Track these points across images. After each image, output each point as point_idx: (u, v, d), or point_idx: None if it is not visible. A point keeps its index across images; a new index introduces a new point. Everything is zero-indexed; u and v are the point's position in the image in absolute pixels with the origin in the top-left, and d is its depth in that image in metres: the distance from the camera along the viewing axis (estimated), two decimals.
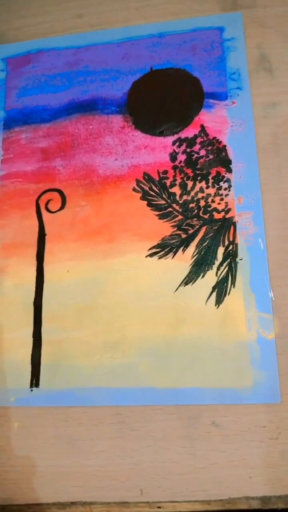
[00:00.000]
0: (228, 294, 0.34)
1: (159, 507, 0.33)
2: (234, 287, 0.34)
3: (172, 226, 0.36)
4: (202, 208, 0.36)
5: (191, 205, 0.37)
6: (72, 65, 0.42)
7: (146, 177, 0.38)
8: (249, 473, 0.32)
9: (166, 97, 0.39)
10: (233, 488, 0.32)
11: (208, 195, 0.36)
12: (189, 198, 0.37)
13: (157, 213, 0.37)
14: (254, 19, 0.40)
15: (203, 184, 0.37)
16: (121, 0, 0.42)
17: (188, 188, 0.37)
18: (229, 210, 0.36)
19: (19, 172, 0.40)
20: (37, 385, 0.35)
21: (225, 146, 0.37)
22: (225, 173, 0.37)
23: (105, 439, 0.34)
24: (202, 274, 0.35)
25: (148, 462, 0.33)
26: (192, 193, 0.37)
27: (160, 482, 0.33)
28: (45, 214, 0.39)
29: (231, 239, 0.35)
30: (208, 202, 0.36)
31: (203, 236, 0.36)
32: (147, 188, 0.38)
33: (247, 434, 0.33)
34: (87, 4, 0.43)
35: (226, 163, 0.37)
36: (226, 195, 0.36)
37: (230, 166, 0.37)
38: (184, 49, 0.40)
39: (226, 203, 0.36)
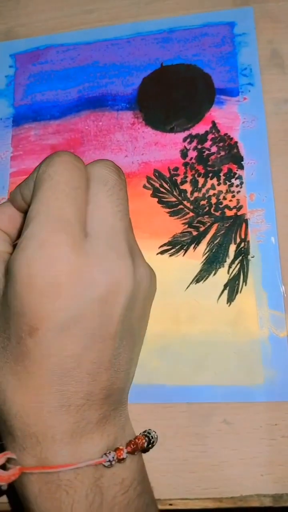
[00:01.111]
0: (240, 292, 0.34)
1: (170, 504, 0.33)
2: (246, 284, 0.34)
3: (183, 223, 0.36)
4: (214, 205, 0.36)
5: (202, 202, 0.36)
6: (81, 61, 0.41)
7: (157, 174, 0.38)
8: (261, 471, 0.32)
9: (176, 93, 0.39)
10: (244, 485, 0.32)
11: (220, 192, 0.36)
12: (200, 195, 0.37)
13: (168, 210, 0.37)
14: (266, 14, 0.39)
15: (215, 181, 0.37)
16: None
17: (199, 185, 0.37)
18: (240, 207, 0.36)
19: (28, 169, 0.40)
20: None
21: (236, 142, 0.37)
22: (237, 170, 0.36)
23: None
24: (213, 272, 0.35)
25: (159, 459, 0.33)
26: (203, 190, 0.37)
27: (171, 479, 0.33)
28: None
29: (242, 236, 0.35)
30: (220, 199, 0.36)
31: (214, 234, 0.36)
32: (157, 185, 0.37)
33: (259, 432, 0.33)
34: (96, 0, 0.43)
35: (237, 159, 0.37)
36: (238, 192, 0.36)
37: (242, 162, 0.36)
38: (195, 44, 0.40)
39: (237, 200, 0.36)
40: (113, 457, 0.25)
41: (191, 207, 0.36)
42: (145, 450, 0.29)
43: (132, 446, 0.27)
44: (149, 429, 0.30)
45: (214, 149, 0.37)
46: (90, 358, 0.25)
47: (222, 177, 0.37)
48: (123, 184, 0.28)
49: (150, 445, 0.29)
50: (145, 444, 0.28)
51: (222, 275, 0.35)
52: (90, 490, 0.25)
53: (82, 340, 0.25)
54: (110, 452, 0.26)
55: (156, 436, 0.29)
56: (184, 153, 0.38)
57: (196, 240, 0.36)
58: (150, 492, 0.29)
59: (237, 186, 0.36)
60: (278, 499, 0.32)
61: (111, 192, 0.27)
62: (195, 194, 0.37)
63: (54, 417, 0.24)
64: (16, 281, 0.24)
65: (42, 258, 0.23)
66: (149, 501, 0.28)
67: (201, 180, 0.37)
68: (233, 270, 0.35)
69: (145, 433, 0.29)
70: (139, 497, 0.27)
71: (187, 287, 0.35)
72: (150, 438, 0.29)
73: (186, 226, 0.36)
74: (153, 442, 0.29)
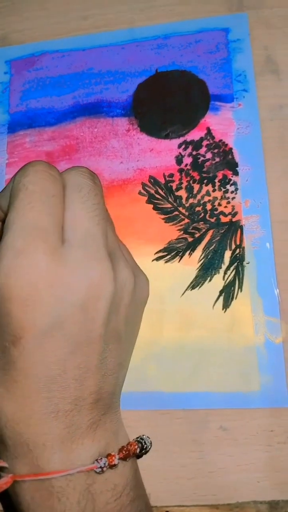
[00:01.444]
0: (235, 298, 0.34)
1: (167, 511, 0.33)
2: (241, 291, 0.34)
3: (178, 229, 0.36)
4: (209, 212, 0.36)
5: (197, 209, 0.36)
6: (76, 67, 0.41)
7: (152, 181, 0.38)
8: (257, 477, 0.33)
9: (171, 100, 0.39)
10: (241, 492, 0.32)
11: (215, 198, 0.36)
12: (196, 201, 0.37)
13: (163, 216, 0.37)
14: (261, 20, 0.39)
15: (210, 187, 0.37)
16: (126, 1, 0.42)
17: (195, 192, 0.37)
18: (235, 213, 0.36)
19: None
20: None
21: (231, 148, 0.37)
22: (232, 176, 0.36)
23: None
24: (209, 278, 0.35)
25: (156, 466, 0.34)
26: (199, 197, 0.37)
27: (167, 486, 0.33)
28: None
29: (238, 242, 0.35)
30: (215, 206, 0.36)
31: (209, 240, 0.36)
32: (153, 192, 0.37)
33: (255, 438, 0.33)
34: (91, 6, 0.43)
35: (232, 166, 0.37)
36: (233, 198, 0.36)
37: (237, 169, 0.37)
38: (190, 50, 0.40)
39: (232, 206, 0.36)
40: (104, 464, 0.25)
41: (187, 213, 0.37)
42: (138, 456, 0.29)
43: (124, 452, 0.27)
44: (143, 435, 0.30)
45: (209, 155, 0.37)
46: (75, 364, 0.25)
47: (217, 184, 0.37)
48: (98, 189, 0.28)
49: (143, 451, 0.29)
50: (138, 450, 0.28)
51: (217, 281, 0.35)
52: (82, 496, 0.25)
53: (65, 346, 0.25)
54: (101, 458, 0.26)
55: (149, 442, 0.29)
56: (179, 160, 0.38)
57: (192, 247, 0.36)
58: (144, 498, 0.29)
59: (232, 192, 0.36)
60: (275, 506, 0.32)
61: (86, 198, 0.27)
62: (190, 201, 0.37)
63: (43, 424, 0.24)
64: None
65: (19, 267, 0.23)
66: (143, 507, 0.28)
67: (196, 187, 0.37)
68: (229, 276, 0.35)
69: (138, 439, 0.29)
70: (132, 503, 0.27)
71: (183, 294, 0.35)
72: (143, 444, 0.29)
73: (182, 232, 0.36)
74: (146, 448, 0.29)
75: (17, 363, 0.24)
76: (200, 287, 0.35)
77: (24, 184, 0.25)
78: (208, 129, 0.38)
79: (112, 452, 0.27)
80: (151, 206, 0.37)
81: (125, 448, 0.27)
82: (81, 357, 0.25)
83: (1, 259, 0.24)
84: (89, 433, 0.26)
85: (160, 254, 0.36)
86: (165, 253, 0.36)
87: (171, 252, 0.36)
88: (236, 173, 0.37)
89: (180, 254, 0.36)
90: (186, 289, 0.35)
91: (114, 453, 0.26)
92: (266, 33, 0.39)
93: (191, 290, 0.35)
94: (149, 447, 0.29)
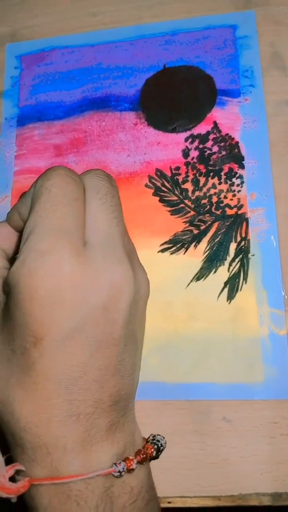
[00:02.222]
0: (240, 290, 0.34)
1: (169, 502, 0.33)
2: (246, 283, 0.34)
3: (184, 222, 0.37)
4: (215, 204, 0.36)
5: (203, 201, 0.37)
6: (85, 63, 0.42)
7: (159, 173, 0.38)
8: (260, 469, 0.32)
9: (179, 94, 0.39)
10: (243, 484, 0.32)
11: (221, 191, 0.37)
12: (202, 194, 0.37)
13: (169, 209, 0.37)
14: (268, 17, 0.40)
15: (216, 180, 0.37)
16: None
17: (201, 184, 0.37)
18: (241, 206, 0.36)
19: (32, 168, 0.40)
20: None
21: (237, 142, 0.37)
22: (238, 170, 0.37)
23: None
24: (214, 270, 0.35)
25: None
26: (205, 189, 0.37)
27: (170, 477, 0.33)
28: None
29: (243, 235, 0.35)
30: (221, 198, 0.36)
31: (215, 232, 0.36)
32: (159, 184, 0.38)
33: (258, 430, 0.33)
34: (100, 3, 0.43)
35: (238, 159, 0.37)
36: (239, 191, 0.36)
37: (243, 162, 0.37)
38: (197, 47, 0.40)
39: (238, 199, 0.36)
40: (123, 468, 0.25)
41: (192, 206, 0.37)
42: (154, 458, 0.29)
43: (141, 455, 0.27)
44: (157, 435, 0.29)
45: (215, 149, 0.38)
46: (96, 365, 0.25)
47: (223, 177, 0.37)
48: (115, 191, 0.28)
49: (159, 453, 0.29)
50: (154, 453, 0.28)
51: (222, 273, 0.35)
52: (101, 500, 0.25)
53: (87, 348, 0.24)
54: (120, 462, 0.25)
55: (165, 442, 0.29)
56: (185, 153, 0.38)
57: (197, 239, 0.36)
58: (156, 499, 0.29)
59: (238, 185, 0.36)
60: (277, 498, 0.32)
61: (104, 200, 0.27)
62: (196, 193, 0.37)
63: (63, 427, 0.24)
64: (18, 292, 0.24)
65: (43, 268, 0.23)
66: (156, 508, 0.28)
67: (202, 180, 0.37)
68: (234, 268, 0.35)
69: (154, 441, 0.29)
70: (147, 505, 0.27)
71: (188, 285, 0.35)
72: (159, 446, 0.29)
73: (187, 224, 0.37)
74: (162, 449, 0.29)
75: (37, 365, 0.24)
76: (205, 278, 0.35)
77: (47, 188, 0.25)
78: (215, 123, 0.38)
79: (129, 454, 0.26)
80: (158, 198, 0.38)
81: (142, 452, 0.27)
82: (102, 359, 0.25)
83: (25, 260, 0.24)
84: (109, 436, 0.26)
85: (166, 246, 0.36)
86: (171, 245, 0.36)
87: (177, 244, 0.36)
88: (242, 167, 0.37)
89: (185, 246, 0.36)
90: (191, 281, 0.35)
91: (132, 457, 0.26)
92: (273, 30, 0.39)
93: (196, 281, 0.35)
94: (164, 447, 0.29)
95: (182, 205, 0.37)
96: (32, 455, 0.24)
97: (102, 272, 0.25)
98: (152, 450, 0.28)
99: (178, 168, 0.38)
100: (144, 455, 0.27)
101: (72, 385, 0.24)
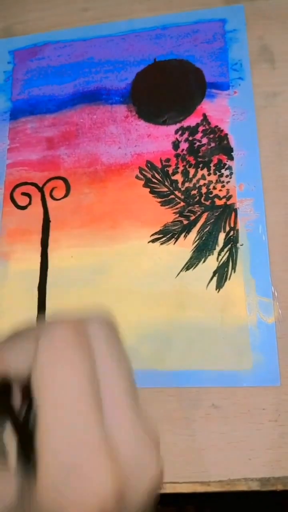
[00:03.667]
0: (229, 279, 0.35)
1: None
2: (234, 272, 0.35)
3: (174, 212, 0.37)
4: (204, 195, 0.37)
5: (193, 192, 0.37)
6: (77, 57, 0.43)
7: (149, 165, 0.39)
8: (248, 454, 0.33)
9: (169, 87, 0.40)
10: (232, 469, 0.33)
11: (210, 182, 0.37)
12: (191, 185, 0.37)
13: (159, 200, 0.38)
14: (257, 11, 0.40)
15: (205, 171, 0.37)
16: None
17: (190, 176, 0.38)
18: (230, 196, 0.37)
19: (24, 161, 0.41)
20: None
21: (226, 134, 0.38)
22: (227, 161, 0.37)
23: None
24: (203, 259, 0.36)
25: None
26: (194, 180, 0.37)
27: None
28: (49, 202, 0.39)
29: (232, 225, 0.36)
30: (210, 189, 0.37)
31: (204, 222, 0.36)
32: (149, 176, 0.38)
33: (247, 416, 0.33)
34: None
35: (227, 151, 0.37)
36: (228, 182, 0.37)
37: (232, 154, 0.37)
38: (187, 40, 0.41)
39: (227, 190, 0.37)
40: None
41: (182, 197, 0.37)
42: None
43: None
44: None
45: (204, 140, 0.38)
46: None
47: (213, 168, 0.37)
48: (121, 338, 0.24)
49: None
50: None
51: (211, 263, 0.35)
52: None
53: None
54: None
55: None
56: (175, 145, 0.39)
57: (187, 229, 0.37)
58: None
59: (227, 176, 0.37)
60: (265, 483, 0.32)
61: (116, 357, 0.22)
62: (186, 184, 0.38)
63: None
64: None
65: (86, 495, 0.19)
66: None
67: (192, 171, 0.38)
68: (222, 257, 0.35)
69: None
70: None
71: (178, 274, 0.36)
72: None
73: (177, 215, 0.37)
74: None
75: None
76: (194, 268, 0.36)
77: (57, 364, 0.20)
78: (204, 116, 0.39)
79: None
80: (148, 190, 0.38)
81: None
82: None
83: (60, 482, 0.19)
84: None
85: (156, 236, 0.37)
86: (161, 235, 0.37)
87: (167, 234, 0.37)
88: (231, 158, 0.37)
89: (175, 236, 0.37)
90: (181, 270, 0.36)
91: None
92: (262, 24, 0.40)
93: (185, 271, 0.36)
94: None
95: (172, 196, 0.38)
96: None
97: (140, 472, 0.18)
98: None
99: (168, 160, 0.38)
100: None
101: None
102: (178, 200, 0.37)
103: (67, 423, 0.20)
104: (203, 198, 0.37)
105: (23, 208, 0.40)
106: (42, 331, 0.22)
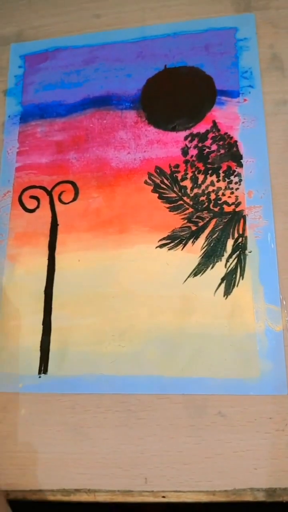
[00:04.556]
0: (237, 285, 0.35)
1: (163, 497, 0.33)
2: (243, 278, 0.35)
3: (182, 218, 0.37)
4: (213, 201, 0.37)
5: (201, 198, 0.37)
6: (88, 63, 0.43)
7: (158, 171, 0.39)
8: (255, 464, 0.32)
9: (179, 94, 0.40)
10: (238, 479, 0.32)
11: (219, 188, 0.37)
12: (200, 191, 0.37)
13: (168, 205, 0.38)
14: (267, 20, 0.41)
15: (214, 178, 0.37)
16: (137, 1, 0.44)
17: (199, 182, 0.38)
18: (239, 203, 0.36)
19: (33, 164, 0.41)
20: (45, 371, 0.36)
21: (236, 141, 0.38)
22: (236, 168, 0.37)
23: (111, 427, 0.34)
24: (211, 266, 0.35)
25: (153, 451, 0.34)
26: (203, 187, 0.37)
27: (165, 471, 0.33)
28: (58, 205, 0.40)
29: (240, 232, 0.36)
30: (219, 196, 0.37)
31: (212, 229, 0.36)
32: (158, 181, 0.38)
33: (253, 425, 0.33)
34: (104, 5, 0.44)
35: (237, 157, 0.38)
36: (237, 189, 0.37)
37: (241, 161, 0.37)
38: (198, 48, 0.41)
39: (236, 196, 0.37)
40: None
41: (191, 202, 0.37)
42: None
43: None
44: None
45: (214, 147, 0.38)
46: None
47: (222, 174, 0.37)
48: None
49: None
50: None
51: (219, 269, 0.35)
52: None
53: None
54: None
55: None
56: (185, 151, 0.39)
57: (195, 235, 0.36)
58: None
59: (236, 183, 0.37)
60: (271, 494, 0.32)
61: None
62: (195, 190, 0.37)
63: None
64: None
65: None
66: None
67: (201, 177, 0.38)
68: (231, 264, 0.35)
69: None
70: None
71: (185, 280, 0.36)
72: None
73: (186, 221, 0.37)
74: None
75: None
76: (202, 274, 0.35)
77: None
78: (214, 122, 0.39)
79: None
80: (157, 195, 0.38)
81: None
82: None
83: None
84: None
85: (164, 241, 0.37)
86: (169, 241, 0.37)
87: (175, 240, 0.37)
88: (240, 165, 0.37)
89: (183, 242, 0.36)
90: (189, 276, 0.36)
91: None
92: (272, 33, 0.40)
93: (193, 277, 0.36)
94: None
95: (180, 202, 0.37)
96: None
97: None
98: None
99: (177, 166, 0.38)
100: None
101: None
102: (187, 206, 0.37)
103: None
104: (211, 204, 0.37)
105: (31, 211, 0.40)
106: None
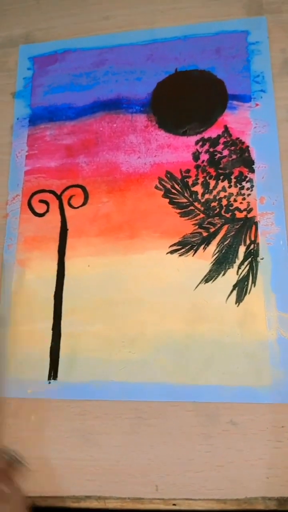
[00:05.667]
0: (249, 293, 0.35)
1: (174, 504, 0.33)
2: (254, 286, 0.35)
3: (193, 224, 0.37)
4: (224, 207, 0.37)
5: (213, 204, 0.37)
6: (97, 65, 0.42)
7: (169, 176, 0.38)
8: (266, 473, 0.32)
9: (190, 98, 0.40)
10: (249, 488, 0.32)
11: (230, 194, 0.37)
12: (211, 197, 0.37)
13: (178, 211, 0.37)
14: (279, 23, 0.40)
15: (226, 183, 0.37)
16: (147, 3, 0.43)
17: (210, 187, 0.37)
18: (251, 209, 0.36)
19: (43, 168, 0.40)
20: (55, 377, 0.36)
21: (248, 146, 0.38)
22: (248, 173, 0.37)
23: (121, 434, 0.34)
24: (222, 272, 0.35)
25: (164, 458, 0.33)
26: (214, 192, 0.37)
27: (175, 479, 0.33)
28: (67, 210, 0.39)
29: (252, 238, 0.36)
30: (230, 201, 0.37)
31: (224, 235, 0.36)
32: (169, 186, 0.38)
33: (265, 434, 0.33)
34: (114, 7, 0.44)
35: (249, 163, 0.37)
36: (248, 195, 0.37)
37: (253, 166, 0.37)
38: (209, 51, 0.41)
39: (248, 202, 0.36)
40: None
41: (202, 208, 0.37)
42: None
43: None
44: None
45: (225, 152, 0.38)
46: None
47: (233, 180, 0.37)
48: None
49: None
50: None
51: (231, 276, 0.35)
52: None
53: None
54: None
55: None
56: (196, 156, 0.38)
57: (206, 241, 0.36)
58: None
59: (247, 189, 0.37)
60: (283, 503, 0.32)
61: None
62: (206, 196, 0.37)
63: None
64: None
65: None
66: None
67: (212, 182, 0.37)
68: (242, 271, 0.35)
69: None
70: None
71: (196, 287, 0.35)
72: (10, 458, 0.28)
73: (197, 227, 0.37)
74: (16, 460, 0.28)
75: None
76: (213, 281, 0.35)
77: None
78: (226, 127, 0.38)
79: None
80: (167, 200, 0.38)
81: None
82: None
83: None
84: None
85: (175, 247, 0.36)
86: (180, 247, 0.36)
87: (186, 245, 0.36)
88: (252, 171, 0.37)
89: (194, 248, 0.36)
90: (200, 283, 0.35)
91: None
92: (284, 36, 0.40)
93: (204, 283, 0.35)
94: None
95: (191, 207, 0.37)
96: None
97: None
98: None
99: (188, 171, 0.38)
100: None
101: None
102: (198, 212, 0.37)
103: None
104: (223, 210, 0.37)
105: (40, 215, 0.39)
106: None
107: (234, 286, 0.35)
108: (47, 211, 0.39)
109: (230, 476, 0.33)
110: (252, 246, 0.35)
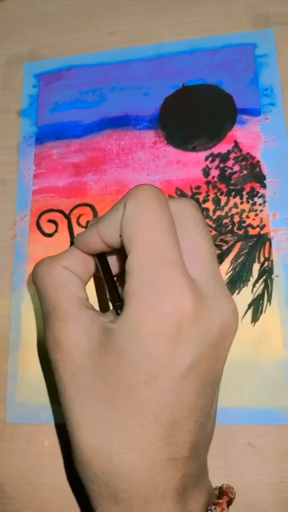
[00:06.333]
0: (264, 311, 0.34)
1: None
2: (270, 304, 0.34)
3: None
4: (237, 224, 0.36)
5: (225, 221, 0.36)
6: (103, 81, 0.42)
7: (179, 193, 0.38)
8: (286, 497, 0.32)
9: (198, 113, 0.39)
10: None
11: (243, 210, 0.36)
12: (223, 213, 0.37)
13: None
14: (287, 35, 0.40)
15: (237, 199, 0.37)
16: (153, 18, 0.43)
17: (222, 204, 0.37)
18: (264, 226, 0.36)
19: (51, 187, 0.40)
20: None
21: (259, 161, 0.37)
22: (260, 189, 0.36)
23: None
24: (237, 291, 0.35)
25: None
26: (226, 209, 0.37)
27: None
28: (76, 229, 0.39)
29: (266, 255, 0.35)
30: (243, 218, 0.36)
31: (237, 252, 0.35)
32: None
33: (285, 456, 0.32)
34: (119, 22, 0.44)
35: (260, 178, 0.37)
36: (261, 210, 0.36)
37: (265, 181, 0.37)
38: (216, 65, 0.40)
39: (261, 218, 0.36)
40: None
41: (214, 225, 0.36)
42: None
43: (226, 498, 0.26)
44: (223, 484, 0.28)
45: (236, 168, 0.37)
46: (200, 406, 0.23)
47: (245, 196, 0.37)
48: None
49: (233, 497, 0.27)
50: (233, 495, 0.27)
51: (246, 294, 0.34)
52: None
53: (196, 387, 0.23)
54: (214, 507, 0.24)
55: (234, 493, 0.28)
56: (206, 172, 0.38)
57: (219, 259, 0.36)
58: None
59: (260, 204, 0.36)
60: None
61: (204, 233, 0.26)
62: (218, 213, 0.37)
63: (163, 473, 0.22)
64: (137, 330, 0.22)
65: (166, 305, 0.22)
66: None
67: (223, 199, 0.37)
68: (257, 289, 0.34)
69: (227, 485, 0.28)
70: None
71: None
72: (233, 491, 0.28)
73: None
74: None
75: (146, 406, 0.22)
76: None
77: (143, 213, 0.24)
78: (236, 142, 0.38)
79: (219, 500, 0.25)
80: None
81: (226, 495, 0.26)
82: (205, 399, 0.24)
83: (143, 296, 0.22)
84: (199, 482, 0.25)
85: None
86: None
87: None
88: (264, 186, 0.36)
89: None
90: None
91: (222, 501, 0.25)
92: None
93: None
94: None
95: None
96: (128, 506, 0.22)
97: (214, 308, 0.24)
98: (232, 491, 0.27)
99: (198, 187, 0.37)
100: (228, 498, 0.26)
101: (176, 426, 0.22)
102: (210, 229, 0.36)
103: (152, 258, 0.23)
104: (235, 227, 0.36)
105: (49, 235, 0.39)
106: (127, 197, 0.26)
107: (249, 305, 0.34)
108: (56, 231, 0.39)
109: (249, 501, 0.32)
110: (266, 264, 0.35)
